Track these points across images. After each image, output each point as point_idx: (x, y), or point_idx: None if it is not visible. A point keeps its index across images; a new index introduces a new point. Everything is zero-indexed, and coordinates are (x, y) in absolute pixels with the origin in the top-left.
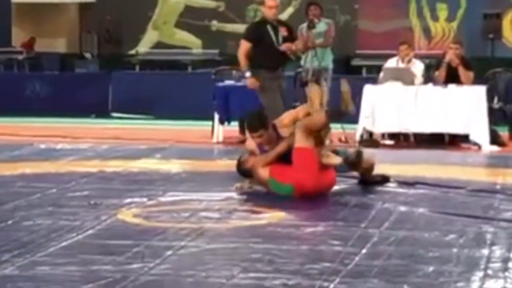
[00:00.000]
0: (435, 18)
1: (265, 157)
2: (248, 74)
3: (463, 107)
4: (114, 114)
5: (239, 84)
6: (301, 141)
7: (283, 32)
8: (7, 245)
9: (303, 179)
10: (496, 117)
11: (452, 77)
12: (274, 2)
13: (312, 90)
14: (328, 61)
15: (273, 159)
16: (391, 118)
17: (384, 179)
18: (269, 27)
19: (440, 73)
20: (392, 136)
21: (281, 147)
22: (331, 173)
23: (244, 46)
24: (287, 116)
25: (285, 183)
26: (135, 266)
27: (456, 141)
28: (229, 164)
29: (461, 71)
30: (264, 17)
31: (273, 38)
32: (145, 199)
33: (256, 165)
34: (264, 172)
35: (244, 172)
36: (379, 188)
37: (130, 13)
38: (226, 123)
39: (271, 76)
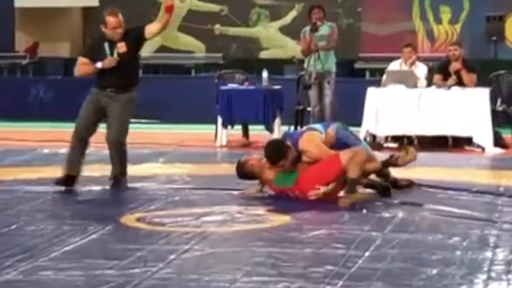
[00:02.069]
0: (438, 20)
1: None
2: (99, 64)
3: (467, 110)
4: None
5: (242, 87)
6: (344, 157)
7: (120, 48)
8: (11, 250)
9: (310, 172)
10: (499, 119)
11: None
12: (114, 22)
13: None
14: (331, 64)
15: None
16: (395, 121)
17: (410, 183)
18: (106, 44)
19: (436, 80)
20: (395, 139)
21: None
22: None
23: (79, 61)
24: (316, 152)
25: (292, 171)
26: (138, 270)
27: (459, 143)
28: (233, 168)
29: (464, 74)
30: (102, 33)
31: (108, 56)
32: (148, 203)
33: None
34: (270, 172)
35: (245, 174)
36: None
37: (133, 17)
38: (229, 127)
39: (101, 94)
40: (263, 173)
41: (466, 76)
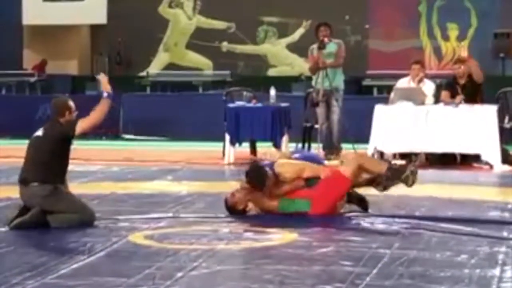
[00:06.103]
0: (445, 37)
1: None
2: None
3: (474, 127)
4: (125, 136)
5: (250, 105)
6: (347, 171)
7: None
8: (19, 268)
9: (323, 197)
10: (507, 136)
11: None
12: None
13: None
14: (339, 81)
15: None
16: (402, 138)
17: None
18: None
19: (444, 97)
20: (403, 156)
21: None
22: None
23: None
24: (289, 171)
25: (300, 198)
26: None
27: (467, 160)
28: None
29: (473, 67)
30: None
31: None
32: (156, 221)
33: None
34: (271, 200)
35: (230, 210)
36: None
37: (141, 35)
38: (237, 144)
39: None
40: (263, 201)
41: (475, 71)
